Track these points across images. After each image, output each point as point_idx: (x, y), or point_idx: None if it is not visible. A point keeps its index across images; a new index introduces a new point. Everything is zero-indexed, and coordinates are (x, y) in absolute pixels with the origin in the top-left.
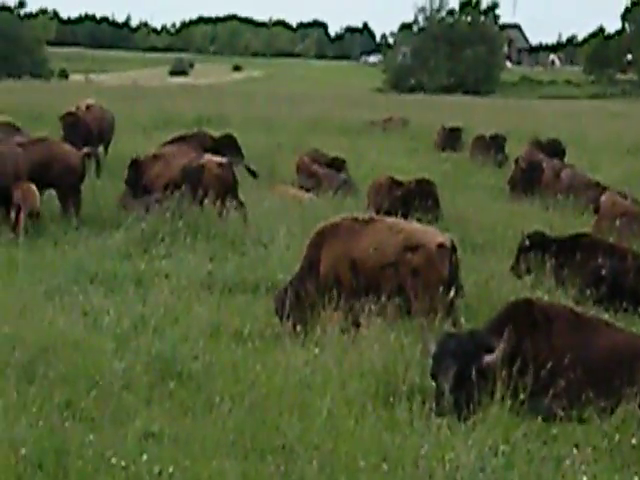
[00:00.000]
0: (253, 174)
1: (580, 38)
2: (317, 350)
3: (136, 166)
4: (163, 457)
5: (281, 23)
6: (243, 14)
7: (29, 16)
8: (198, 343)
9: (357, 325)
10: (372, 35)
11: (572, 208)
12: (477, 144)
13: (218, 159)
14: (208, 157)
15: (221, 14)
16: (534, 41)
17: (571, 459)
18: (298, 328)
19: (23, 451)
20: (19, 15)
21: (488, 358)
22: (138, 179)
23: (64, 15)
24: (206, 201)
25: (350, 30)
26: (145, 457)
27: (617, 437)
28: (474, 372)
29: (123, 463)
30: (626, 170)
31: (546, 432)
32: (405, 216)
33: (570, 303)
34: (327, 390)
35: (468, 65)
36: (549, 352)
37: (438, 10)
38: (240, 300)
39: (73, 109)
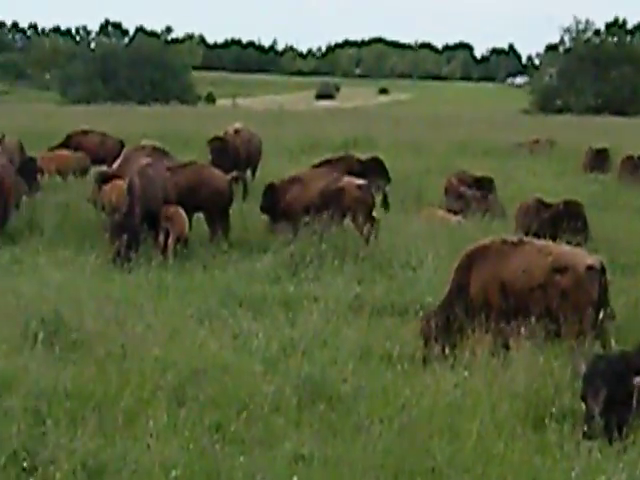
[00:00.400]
0: (386, 204)
1: None
2: (466, 373)
3: (272, 191)
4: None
5: (427, 45)
6: (389, 37)
7: (176, 41)
8: (347, 366)
9: (506, 348)
10: (518, 56)
11: None
12: (625, 165)
13: (357, 181)
14: (347, 179)
15: (366, 37)
16: None
17: None
18: (447, 351)
19: (174, 473)
20: (166, 40)
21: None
22: (275, 203)
23: (210, 40)
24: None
25: (496, 52)
26: (295, 479)
27: None
28: (625, 394)
29: None
30: None
31: None
32: (553, 238)
33: None
34: (477, 413)
35: (615, 86)
36: None
37: (584, 31)
38: (389, 323)
39: (221, 134)
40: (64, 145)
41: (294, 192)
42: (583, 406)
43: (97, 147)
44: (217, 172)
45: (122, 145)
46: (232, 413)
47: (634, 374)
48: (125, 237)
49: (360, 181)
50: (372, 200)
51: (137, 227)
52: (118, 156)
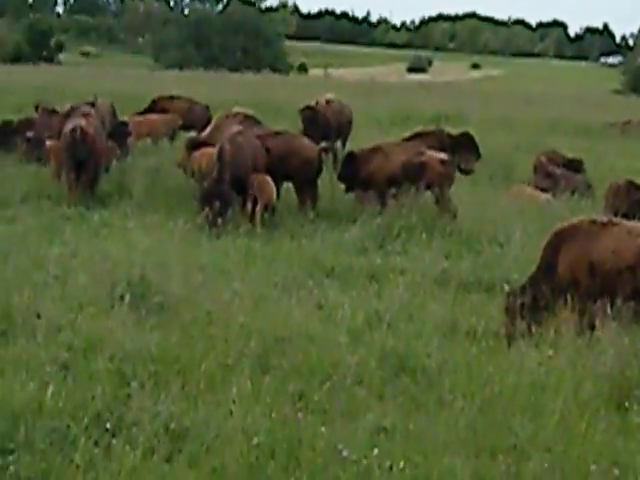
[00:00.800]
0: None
1: None
2: (551, 352)
3: (352, 159)
4: (394, 452)
5: (521, 22)
6: (483, 12)
7: (270, 10)
8: (432, 340)
9: (592, 328)
10: (612, 36)
11: None
12: None
13: (440, 155)
14: (430, 153)
15: (460, 12)
16: None
17: None
18: (532, 329)
19: (256, 440)
20: (260, 8)
21: None
22: (355, 172)
23: (304, 10)
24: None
25: (590, 30)
26: (376, 451)
27: None
28: None
29: (354, 457)
30: None
31: None
32: None
33: None
34: (560, 392)
35: None
36: None
37: None
38: (475, 299)
39: (313, 103)
40: (150, 110)
41: (375, 163)
42: None
43: (184, 113)
44: (307, 142)
45: (209, 112)
46: (315, 383)
47: None
48: (216, 204)
49: (443, 155)
50: (453, 175)
51: (227, 194)
52: (205, 122)
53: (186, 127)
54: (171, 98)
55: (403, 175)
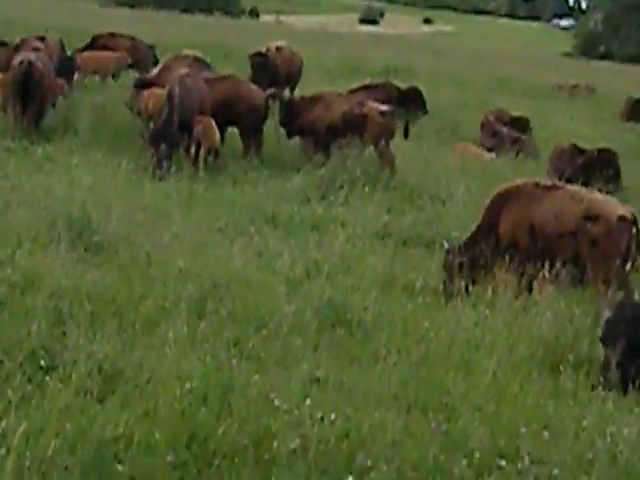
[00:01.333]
0: (406, 133)
1: None
2: (487, 311)
3: (293, 106)
4: (326, 403)
5: None
6: None
7: None
8: (370, 293)
9: (530, 290)
10: None
11: None
12: None
13: (381, 107)
14: (371, 105)
15: None
16: None
17: None
18: (470, 287)
19: (189, 385)
20: None
21: None
22: (295, 119)
23: None
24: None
25: None
26: (308, 402)
27: None
28: None
29: (286, 406)
30: None
31: None
32: (585, 184)
33: None
34: (494, 352)
35: None
36: None
37: None
38: (414, 254)
39: (263, 49)
40: (91, 46)
41: (316, 111)
42: (601, 350)
43: (127, 51)
44: (254, 87)
45: (152, 51)
46: (251, 330)
47: None
48: (162, 146)
49: (384, 107)
50: (394, 128)
51: (175, 136)
52: (148, 62)
53: (128, 66)
54: (112, 35)
55: (343, 125)
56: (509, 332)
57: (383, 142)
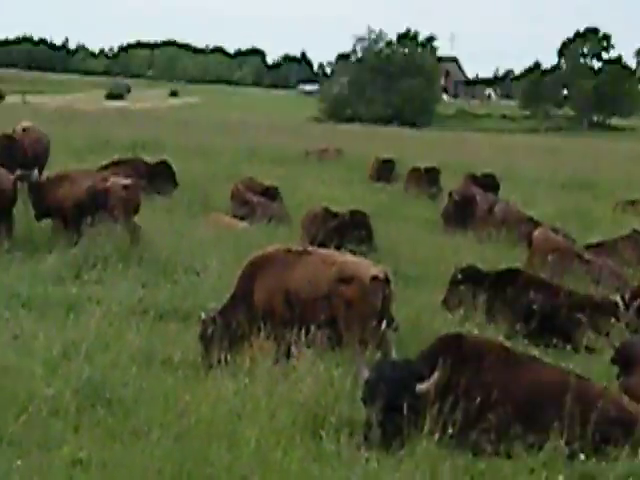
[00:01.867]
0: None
1: (517, 72)
2: (247, 380)
3: (39, 187)
4: None
5: (219, 50)
6: (181, 40)
7: None
8: (128, 370)
9: (288, 356)
10: (310, 64)
11: (505, 242)
12: (412, 176)
13: (124, 181)
14: (114, 179)
15: (159, 39)
16: (471, 74)
17: None
18: (228, 357)
19: None
20: None
21: (421, 385)
22: (43, 200)
23: (1, 36)
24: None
25: (288, 59)
26: None
27: (544, 474)
28: (405, 402)
29: None
30: (559, 205)
31: (474, 467)
32: (339, 247)
33: (501, 338)
34: (256, 420)
35: (404, 97)
36: (478, 387)
37: (376, 41)
38: (171, 328)
39: (9, 131)
40: None
41: (62, 189)
42: (363, 412)
43: None
44: (2, 171)
45: None
46: (10, 416)
47: (416, 381)
48: None
49: (127, 181)
50: (139, 201)
51: None
52: None
53: None
54: None
55: (89, 201)
56: (270, 399)
57: (127, 216)
